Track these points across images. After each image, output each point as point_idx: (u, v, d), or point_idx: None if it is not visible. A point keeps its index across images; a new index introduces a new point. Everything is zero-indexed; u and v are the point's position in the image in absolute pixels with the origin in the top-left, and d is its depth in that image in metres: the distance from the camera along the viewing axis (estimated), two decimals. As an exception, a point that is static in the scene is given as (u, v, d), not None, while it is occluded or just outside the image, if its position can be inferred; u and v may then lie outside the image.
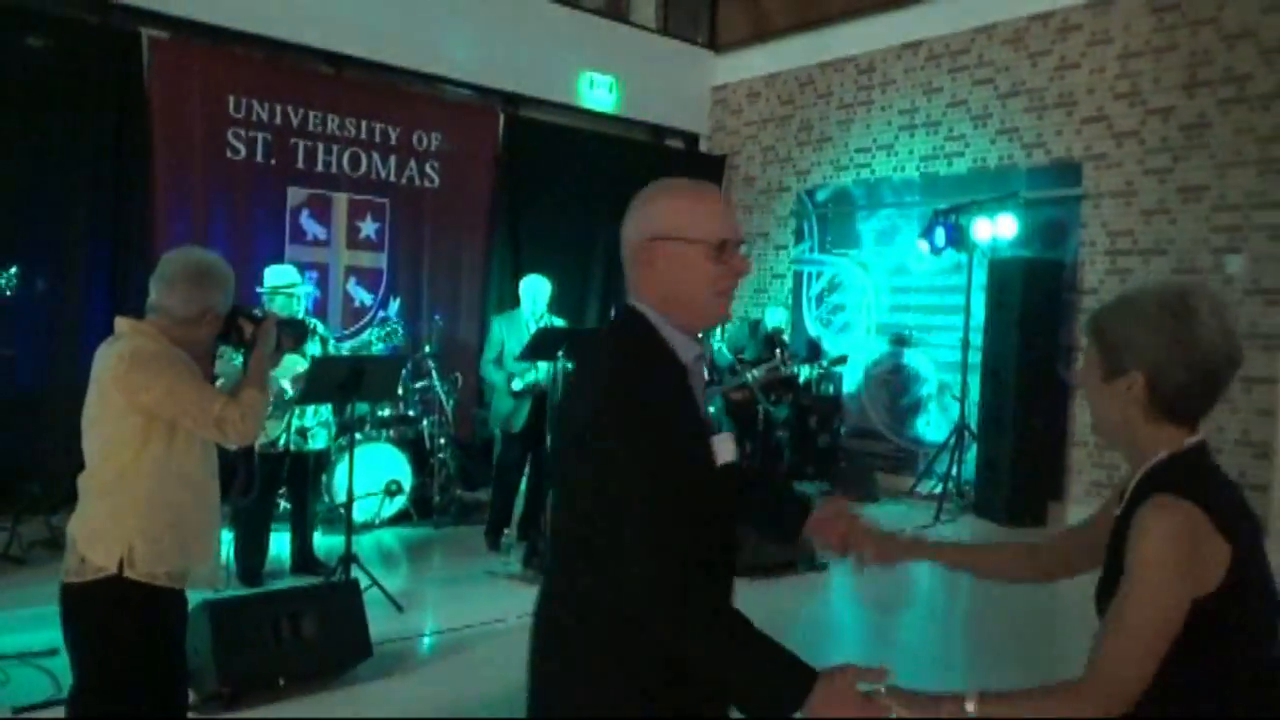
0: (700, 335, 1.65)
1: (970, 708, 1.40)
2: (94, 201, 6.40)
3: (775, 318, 7.44)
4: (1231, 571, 1.39)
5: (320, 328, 5.17)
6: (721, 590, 1.57)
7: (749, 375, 6.89)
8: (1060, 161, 7.56)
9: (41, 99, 6.15)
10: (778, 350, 7.30)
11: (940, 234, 7.73)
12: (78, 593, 2.17)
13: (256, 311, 2.58)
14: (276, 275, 4.92)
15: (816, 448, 8.66)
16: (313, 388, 4.40)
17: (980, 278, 7.65)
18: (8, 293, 3.92)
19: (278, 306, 4.73)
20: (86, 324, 6.26)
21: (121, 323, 2.34)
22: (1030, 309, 7.23)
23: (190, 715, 3.33)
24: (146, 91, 6.54)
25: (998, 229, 7.34)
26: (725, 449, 1.60)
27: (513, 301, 7.73)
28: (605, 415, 1.45)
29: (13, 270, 4.73)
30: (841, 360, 8.18)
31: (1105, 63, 7.28)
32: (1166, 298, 1.48)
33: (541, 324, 5.82)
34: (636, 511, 1.41)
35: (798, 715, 1.40)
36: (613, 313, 9.04)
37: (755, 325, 7.38)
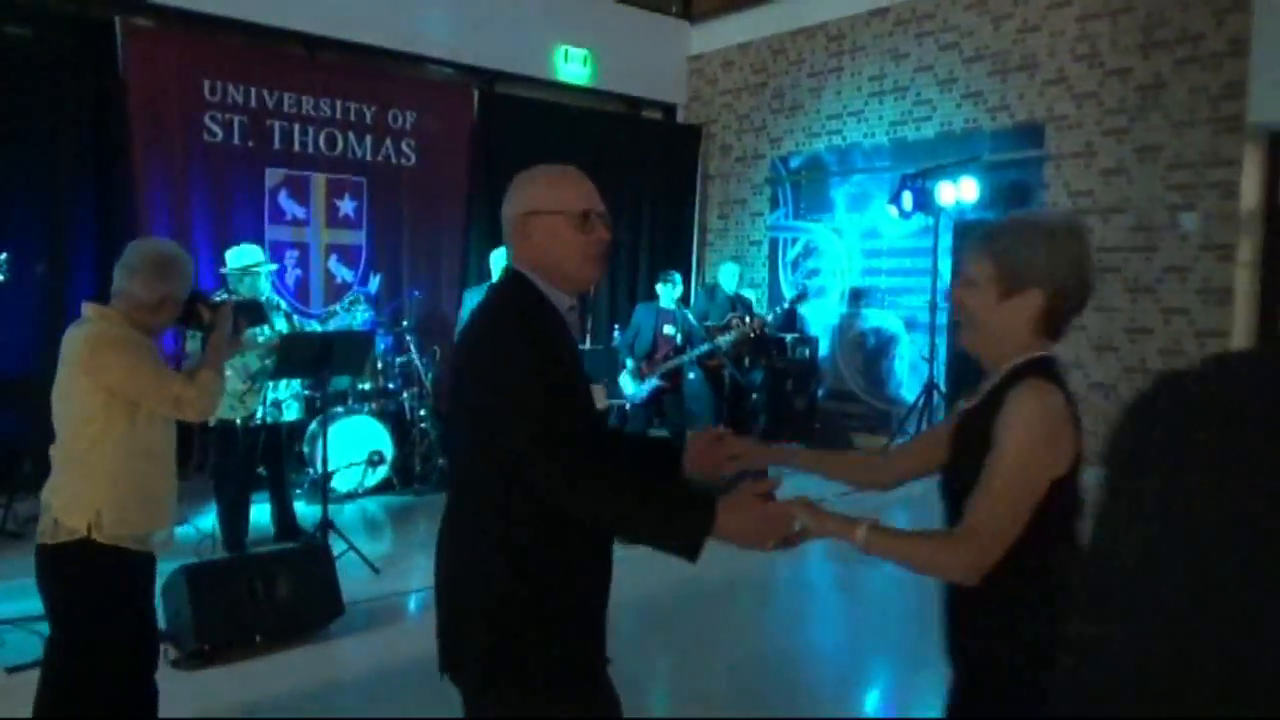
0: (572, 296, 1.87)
1: (860, 534, 1.55)
2: (78, 187, 6.58)
3: (729, 278, 7.57)
4: (1074, 463, 1.54)
5: (284, 305, 5.35)
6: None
7: (720, 341, 7.08)
8: (1023, 124, 7.70)
9: (22, 87, 6.30)
10: (739, 312, 7.47)
11: (907, 198, 7.88)
12: (51, 553, 2.39)
13: (215, 297, 2.78)
14: (240, 256, 5.09)
15: (793, 410, 8.89)
16: (284, 363, 4.60)
17: (947, 240, 7.82)
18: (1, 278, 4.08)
19: (244, 287, 4.92)
20: (74, 306, 6.46)
21: (88, 308, 2.54)
22: (993, 270, 7.39)
23: (172, 671, 3.58)
24: (123, 78, 6.69)
25: (961, 192, 7.50)
26: (598, 396, 1.84)
27: (487, 275, 7.96)
28: (499, 335, 1.72)
29: (2, 256, 4.89)
30: (800, 298, 8.25)
31: (1065, 25, 7.39)
32: (1068, 224, 1.63)
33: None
34: (531, 399, 1.63)
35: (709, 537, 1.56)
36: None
37: (712, 289, 7.56)
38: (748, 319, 7.14)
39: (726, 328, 7.15)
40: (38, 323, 6.39)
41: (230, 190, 7.25)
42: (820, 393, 9.11)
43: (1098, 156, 7.24)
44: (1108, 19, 7.14)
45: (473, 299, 6.14)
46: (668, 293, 6.72)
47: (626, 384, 6.74)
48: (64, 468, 2.44)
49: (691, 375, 7.32)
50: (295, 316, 5.41)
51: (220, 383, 2.58)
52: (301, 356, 4.60)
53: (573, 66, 9.42)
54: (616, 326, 8.16)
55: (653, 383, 6.60)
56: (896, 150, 8.56)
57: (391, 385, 6.83)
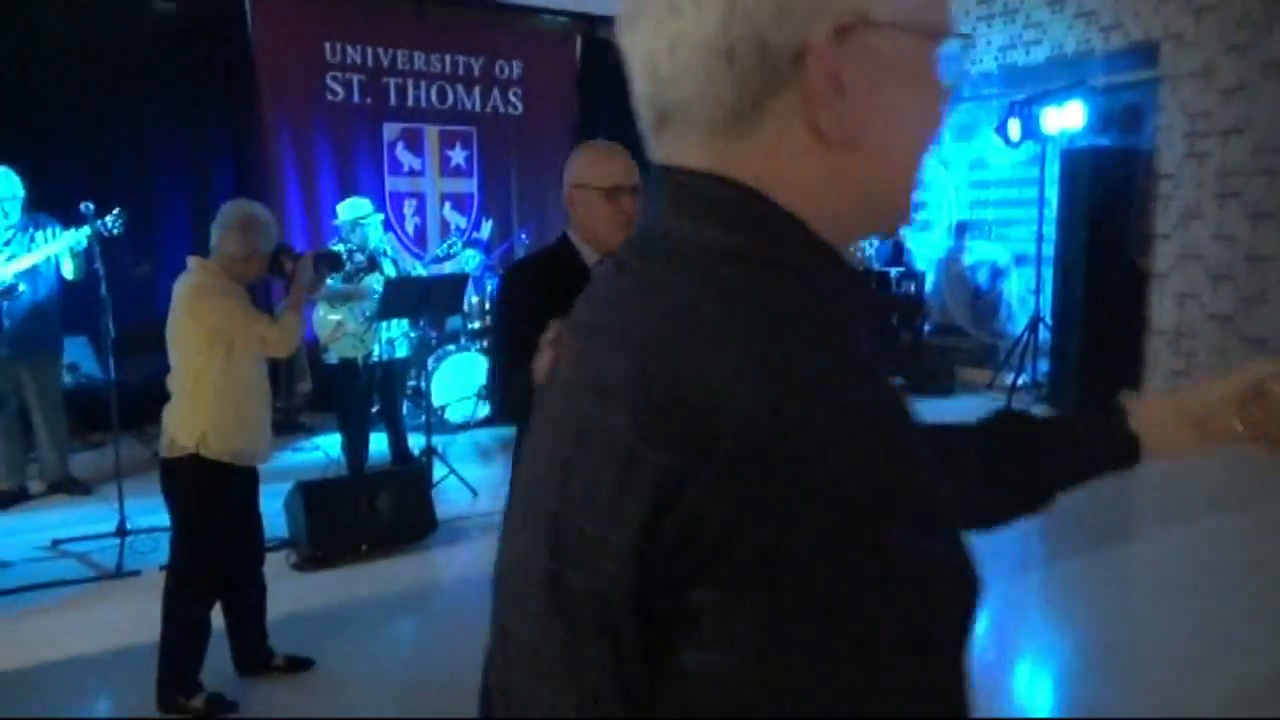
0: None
1: None
2: (217, 148, 7.24)
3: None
4: None
5: (391, 252, 5.81)
6: None
7: None
8: (1138, 44, 7.32)
9: (168, 57, 6.93)
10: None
11: (1015, 126, 7.65)
12: (169, 466, 2.89)
13: (297, 250, 3.20)
14: (350, 210, 5.56)
15: (898, 346, 8.89)
16: (387, 306, 5.07)
17: (1054, 169, 7.59)
18: (115, 231, 4.58)
19: (356, 237, 5.40)
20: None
21: (191, 261, 3.00)
22: (1099, 199, 7.15)
23: (292, 572, 4.14)
24: (252, 45, 7.28)
25: (1066, 118, 7.24)
26: None
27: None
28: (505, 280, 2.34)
29: (116, 211, 5.26)
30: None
31: (1185, -66, 6.96)
32: None
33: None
34: (497, 340, 2.14)
35: None
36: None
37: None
38: None
39: None
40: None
41: (351, 146, 7.80)
42: (927, 328, 9.05)
43: (1218, 75, 6.84)
44: (1232, -75, 6.68)
45: None
46: None
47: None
48: (177, 396, 2.92)
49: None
50: (400, 263, 5.86)
51: (300, 324, 2.99)
52: (401, 300, 5.06)
53: (676, 7, 9.49)
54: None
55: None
56: (1005, 76, 8.29)
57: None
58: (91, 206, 4.48)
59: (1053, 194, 7.61)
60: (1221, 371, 1.00)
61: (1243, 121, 6.72)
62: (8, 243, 4.87)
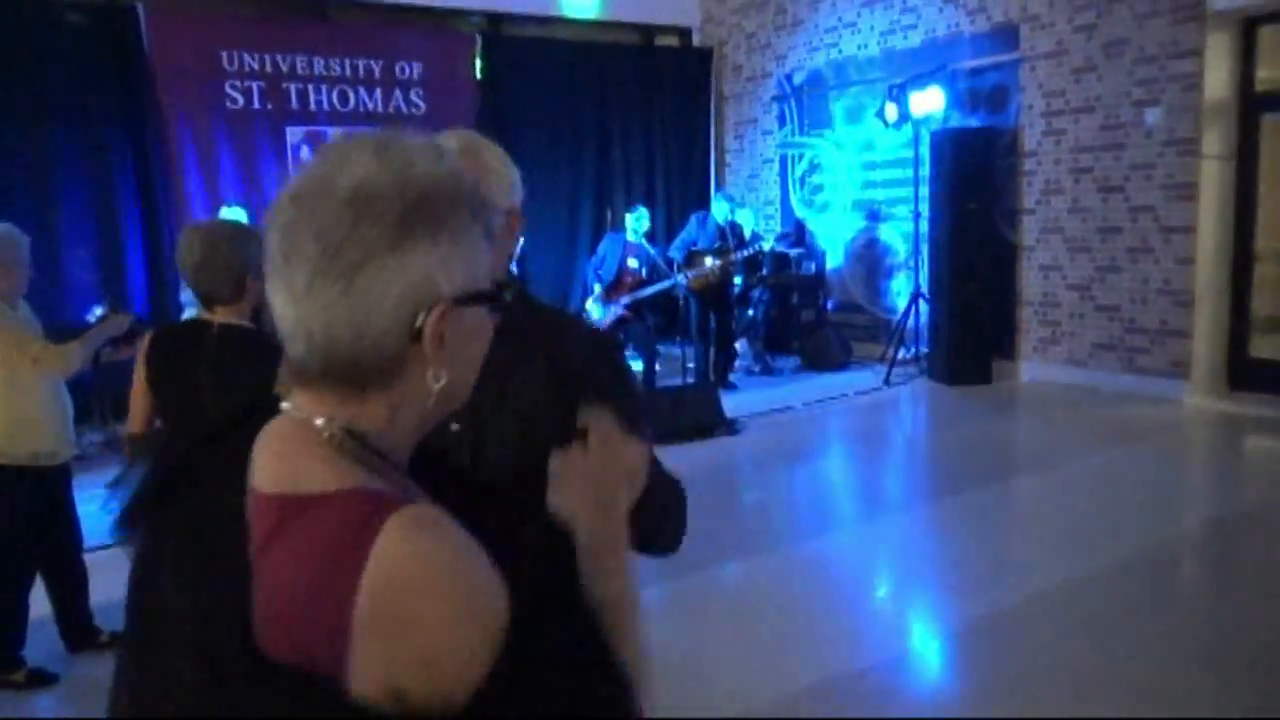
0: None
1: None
2: (122, 156, 7.47)
3: (719, 209, 7.90)
4: None
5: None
6: None
7: (678, 277, 7.35)
8: (1000, 26, 7.63)
9: (68, 68, 7.16)
10: (727, 242, 7.77)
11: (891, 109, 7.98)
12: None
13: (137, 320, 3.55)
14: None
15: (800, 322, 9.24)
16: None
17: (925, 150, 7.91)
18: None
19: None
20: (130, 261, 7.52)
21: None
22: (965, 177, 7.50)
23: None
24: (149, 57, 7.55)
25: (928, 102, 7.56)
26: None
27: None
28: None
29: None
30: (753, 240, 8.24)
31: (1036, -80, 7.25)
32: None
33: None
34: None
35: None
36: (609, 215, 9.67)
37: (704, 218, 7.88)
38: (709, 260, 7.46)
39: (691, 263, 7.51)
40: (99, 279, 7.43)
41: (254, 151, 8.08)
42: (829, 305, 9.39)
43: (1069, 55, 7.16)
44: (1075, -90, 6.97)
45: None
46: (633, 225, 7.13)
47: (593, 309, 7.28)
48: None
49: (682, 299, 7.70)
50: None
51: (82, 356, 3.21)
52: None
53: (578, 2, 9.73)
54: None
55: (616, 310, 7.10)
56: (886, 61, 8.59)
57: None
58: None
59: (925, 173, 7.93)
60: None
61: (1091, 99, 7.04)
62: None
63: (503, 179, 1.44)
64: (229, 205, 6.27)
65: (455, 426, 1.40)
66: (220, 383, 2.33)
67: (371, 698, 0.73)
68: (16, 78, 6.96)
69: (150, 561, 0.84)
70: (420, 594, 0.74)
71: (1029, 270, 7.63)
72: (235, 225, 2.77)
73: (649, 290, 7.16)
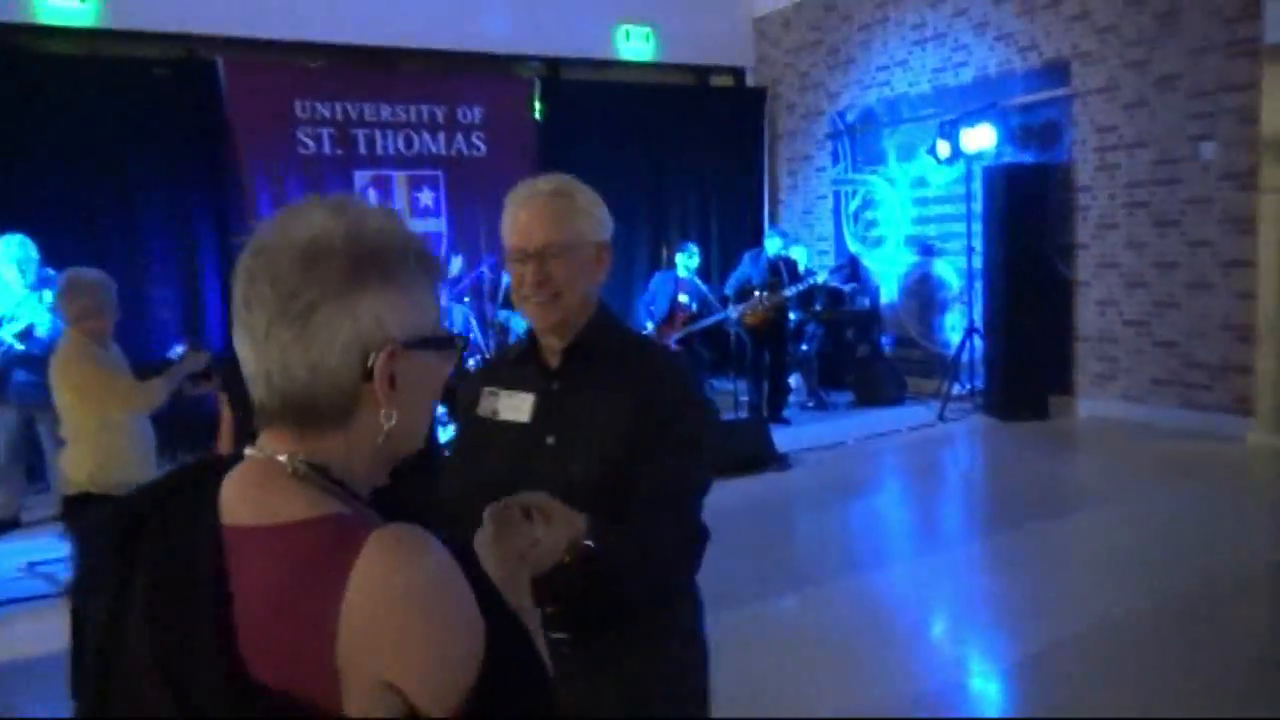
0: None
1: None
2: (201, 202, 7.93)
3: (772, 244, 8.01)
4: None
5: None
6: None
7: (730, 311, 7.47)
8: (1051, 62, 7.66)
9: (151, 119, 7.64)
10: (779, 276, 7.87)
11: (944, 146, 8.04)
12: (67, 501, 3.48)
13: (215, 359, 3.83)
14: None
15: (854, 358, 9.26)
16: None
17: (979, 186, 7.94)
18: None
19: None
20: (207, 299, 7.92)
21: (64, 332, 3.58)
22: (1018, 212, 7.50)
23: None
24: (227, 107, 7.98)
25: (979, 139, 7.61)
26: None
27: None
28: None
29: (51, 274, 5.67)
30: (806, 275, 8.31)
31: (1086, -43, 7.30)
32: None
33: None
34: None
35: None
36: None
37: (757, 254, 7.99)
38: (758, 292, 7.58)
39: (742, 298, 7.63)
40: (180, 318, 7.84)
41: (325, 195, 8.42)
42: (885, 340, 9.41)
43: (1121, 90, 7.16)
44: (1126, -52, 7.01)
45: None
46: (684, 263, 7.28)
47: (646, 344, 7.42)
48: (69, 442, 3.51)
49: (734, 333, 7.82)
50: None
51: (164, 392, 3.52)
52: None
53: (635, 44, 9.99)
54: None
55: (669, 344, 7.25)
56: (938, 97, 8.66)
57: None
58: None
59: (978, 208, 7.96)
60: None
61: (1145, 134, 7.03)
62: (19, 302, 5.57)
63: (593, 218, 1.64)
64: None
65: (550, 440, 1.56)
66: None
67: (365, 714, 0.75)
68: (109, 129, 7.45)
69: (114, 610, 0.85)
70: (408, 607, 0.77)
71: (1085, 305, 7.59)
72: None
73: (700, 325, 7.29)
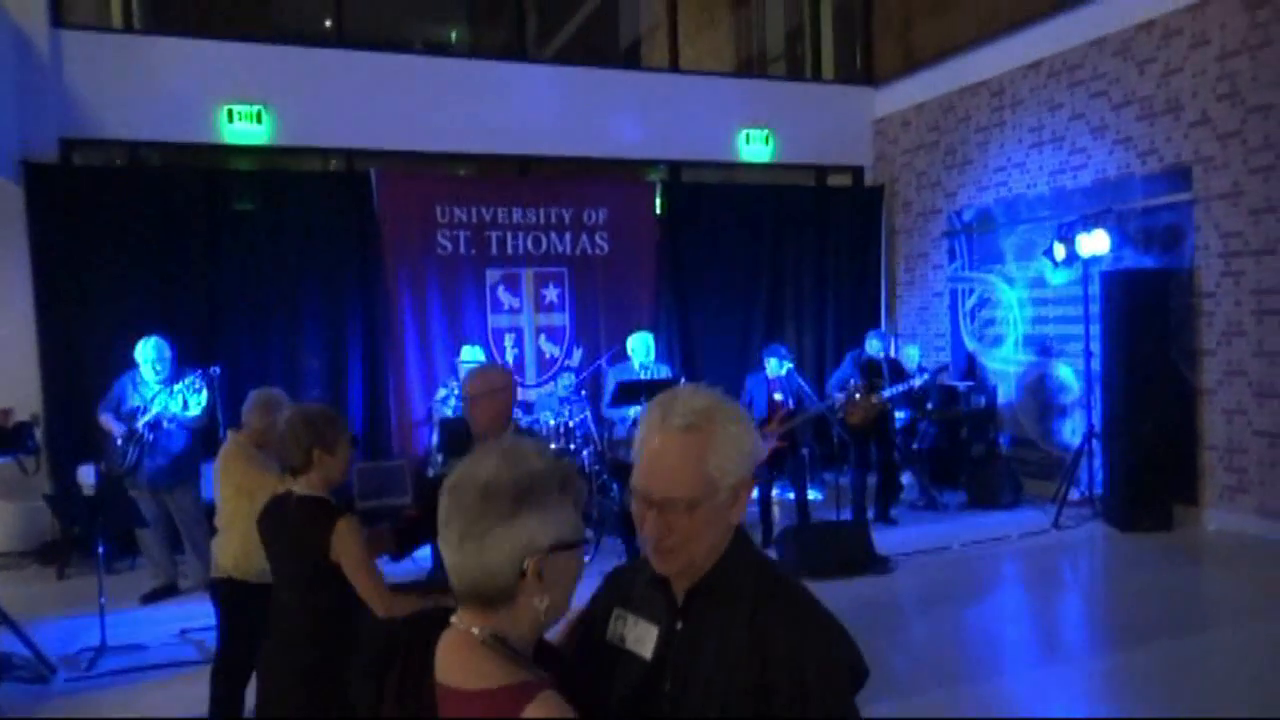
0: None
1: None
2: (353, 305, 8.72)
3: (873, 345, 8.06)
4: None
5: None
6: None
7: (824, 405, 7.56)
8: (1171, 167, 7.58)
9: (320, 225, 8.59)
10: (879, 375, 7.92)
11: (1059, 248, 8.01)
12: (215, 584, 3.95)
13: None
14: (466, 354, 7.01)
15: (969, 457, 9.15)
16: (443, 442, 6.14)
17: (1096, 289, 7.85)
18: (214, 379, 6.12)
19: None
20: (351, 391, 8.64)
21: (230, 433, 4.11)
22: (1138, 316, 7.37)
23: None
24: (378, 214, 8.79)
25: (1095, 244, 7.56)
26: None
27: (684, 347, 9.50)
28: None
29: (215, 370, 6.26)
30: (913, 374, 8.30)
31: (1206, 65, 7.25)
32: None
33: (648, 373, 7.24)
34: None
35: None
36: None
37: (857, 355, 8.07)
38: (852, 383, 7.68)
39: (862, 389, 7.72)
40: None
41: (459, 291, 9.12)
42: (1003, 439, 9.26)
43: (1245, 195, 7.01)
44: (1247, 55, 6.95)
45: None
46: (774, 365, 7.42)
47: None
48: (220, 531, 4.00)
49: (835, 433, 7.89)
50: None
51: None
52: (454, 436, 6.12)
53: (755, 146, 10.41)
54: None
55: (770, 443, 7.38)
56: (1056, 199, 8.64)
57: (571, 445, 8.21)
58: (217, 370, 5.92)
59: (1095, 311, 7.85)
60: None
61: (1273, 241, 6.85)
62: (154, 397, 6.31)
63: (733, 455, 1.44)
64: (470, 344, 7.58)
65: (667, 687, 1.47)
66: (290, 548, 2.94)
67: None
68: (278, 232, 8.39)
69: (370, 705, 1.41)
70: None
71: (1211, 413, 7.33)
72: (316, 408, 3.11)
73: (798, 419, 7.42)
